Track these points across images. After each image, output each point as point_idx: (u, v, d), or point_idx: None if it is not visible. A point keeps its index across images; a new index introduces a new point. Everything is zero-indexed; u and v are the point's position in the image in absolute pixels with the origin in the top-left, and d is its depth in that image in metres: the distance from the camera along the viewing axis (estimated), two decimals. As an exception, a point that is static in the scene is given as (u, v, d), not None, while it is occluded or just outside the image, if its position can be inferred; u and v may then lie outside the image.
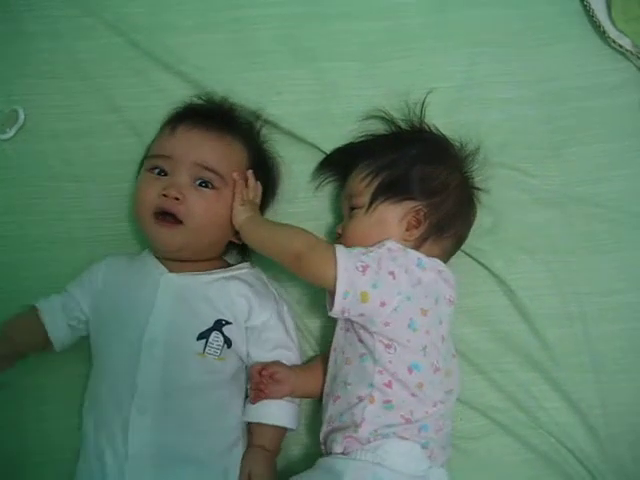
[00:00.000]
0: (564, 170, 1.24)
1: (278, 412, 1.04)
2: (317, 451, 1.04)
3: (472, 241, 1.16)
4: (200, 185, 1.05)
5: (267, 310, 1.07)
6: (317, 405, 1.09)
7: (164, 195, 1.02)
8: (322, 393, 1.06)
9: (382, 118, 1.19)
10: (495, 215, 1.20)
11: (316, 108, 1.23)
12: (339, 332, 1.05)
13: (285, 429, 1.05)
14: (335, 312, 0.97)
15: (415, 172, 1.05)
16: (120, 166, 1.21)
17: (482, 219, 1.17)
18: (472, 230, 1.14)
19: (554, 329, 1.17)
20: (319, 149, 1.22)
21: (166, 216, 1.03)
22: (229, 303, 1.04)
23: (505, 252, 1.19)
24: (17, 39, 1.26)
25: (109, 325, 1.04)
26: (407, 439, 0.94)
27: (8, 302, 1.14)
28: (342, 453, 0.95)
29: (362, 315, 0.97)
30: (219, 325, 1.02)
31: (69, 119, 1.24)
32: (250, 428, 1.05)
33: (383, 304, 0.95)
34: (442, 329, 1.01)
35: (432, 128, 1.16)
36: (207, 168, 1.05)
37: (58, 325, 1.05)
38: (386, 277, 0.96)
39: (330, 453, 0.98)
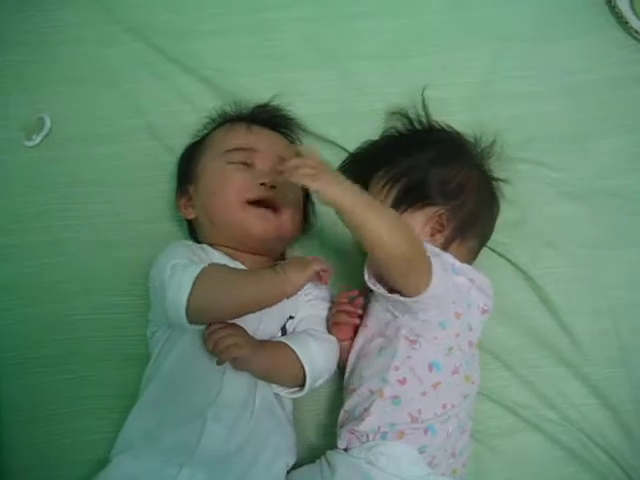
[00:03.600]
0: (588, 163, 1.24)
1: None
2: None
3: (497, 236, 1.16)
4: None
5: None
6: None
7: (262, 184, 1.04)
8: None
9: (400, 115, 1.18)
10: (520, 210, 1.19)
11: (338, 107, 1.24)
12: (360, 327, 1.06)
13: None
14: (408, 300, 0.94)
15: (431, 176, 1.05)
16: (145, 169, 1.23)
17: (507, 214, 1.16)
18: (497, 225, 1.14)
19: (582, 324, 1.16)
20: (342, 148, 1.22)
21: (261, 205, 1.04)
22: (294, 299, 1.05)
23: (531, 247, 1.18)
24: (42, 47, 1.28)
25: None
26: (405, 441, 0.93)
27: (41, 304, 1.17)
28: (344, 449, 0.96)
29: (412, 312, 0.96)
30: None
31: (94, 124, 1.25)
32: None
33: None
34: (471, 335, 1.01)
35: (444, 125, 1.15)
36: None
37: None
38: (450, 281, 0.97)
39: (335, 447, 0.99)
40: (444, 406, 0.95)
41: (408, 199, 1.04)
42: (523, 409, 1.13)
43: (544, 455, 1.12)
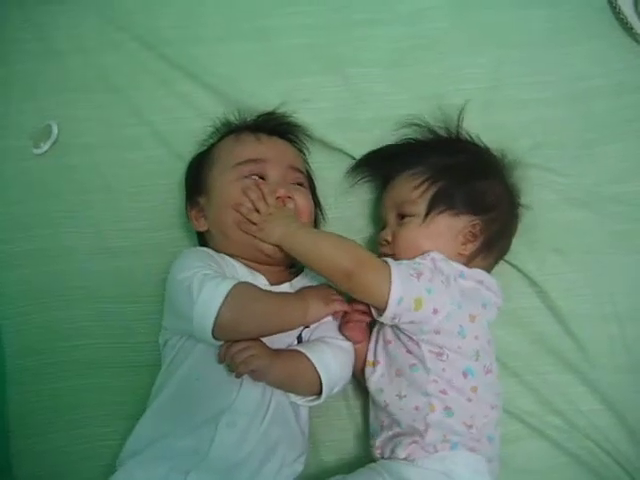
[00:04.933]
0: (595, 169, 1.23)
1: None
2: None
3: (504, 242, 1.15)
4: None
5: None
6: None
7: (278, 198, 1.05)
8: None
9: (418, 125, 1.17)
10: (527, 216, 1.17)
11: (343, 114, 1.24)
12: (379, 345, 1.05)
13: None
14: (385, 317, 0.96)
15: (473, 185, 1.04)
16: (151, 176, 1.24)
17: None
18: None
19: (589, 330, 1.15)
20: (348, 154, 1.22)
21: None
22: None
23: (537, 253, 1.18)
24: (49, 56, 1.30)
25: None
26: (475, 451, 0.94)
27: (48, 311, 1.18)
28: (405, 459, 0.94)
29: (412, 322, 0.96)
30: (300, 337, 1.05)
31: (100, 132, 1.27)
32: None
33: (436, 311, 0.95)
34: (488, 333, 1.02)
35: (474, 138, 1.15)
36: (298, 169, 1.12)
37: None
38: (439, 284, 0.96)
39: (388, 457, 0.97)
40: (492, 407, 0.97)
41: (446, 203, 1.03)
42: (529, 416, 1.13)
43: (549, 461, 1.12)
